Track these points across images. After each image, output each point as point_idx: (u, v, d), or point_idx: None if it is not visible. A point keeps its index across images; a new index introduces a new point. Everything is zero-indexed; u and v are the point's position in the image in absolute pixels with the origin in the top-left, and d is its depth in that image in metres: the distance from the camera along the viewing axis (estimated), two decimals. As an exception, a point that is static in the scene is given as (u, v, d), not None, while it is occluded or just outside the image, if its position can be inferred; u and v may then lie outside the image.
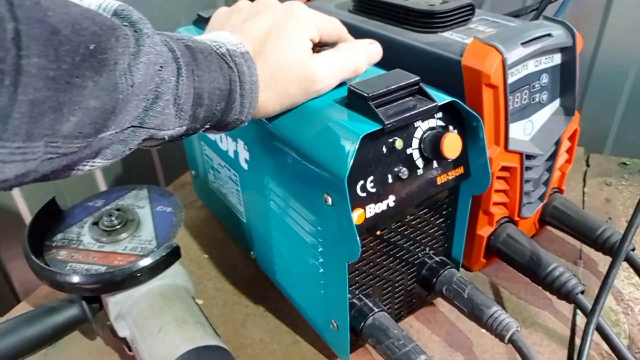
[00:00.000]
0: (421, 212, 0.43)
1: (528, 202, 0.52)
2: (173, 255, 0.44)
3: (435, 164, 0.40)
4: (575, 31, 0.47)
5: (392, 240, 0.42)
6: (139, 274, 0.42)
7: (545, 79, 0.49)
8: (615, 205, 0.62)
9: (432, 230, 0.45)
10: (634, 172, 0.68)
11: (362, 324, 0.41)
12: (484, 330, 0.44)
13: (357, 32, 0.44)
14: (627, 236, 0.41)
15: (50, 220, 0.48)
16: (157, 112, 0.28)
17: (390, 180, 0.37)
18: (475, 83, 0.43)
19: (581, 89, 0.77)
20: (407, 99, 0.38)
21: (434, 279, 0.45)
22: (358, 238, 0.34)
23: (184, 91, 0.30)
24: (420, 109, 0.37)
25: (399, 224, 0.42)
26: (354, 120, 0.36)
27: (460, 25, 0.50)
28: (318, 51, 0.40)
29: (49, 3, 0.23)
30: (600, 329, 0.42)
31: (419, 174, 0.39)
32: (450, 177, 0.41)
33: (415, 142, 0.38)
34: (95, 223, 0.47)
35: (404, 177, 0.38)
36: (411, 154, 0.38)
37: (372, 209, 0.37)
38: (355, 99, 0.36)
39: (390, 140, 0.37)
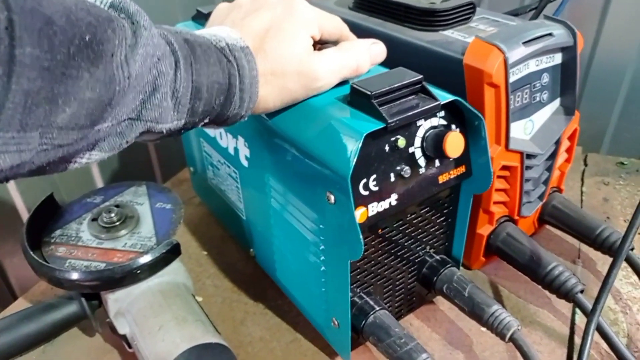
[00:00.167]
0: (422, 211, 0.43)
1: (528, 201, 0.52)
2: (173, 253, 0.44)
3: (437, 163, 0.40)
4: (576, 31, 0.47)
5: (393, 238, 0.42)
6: (138, 271, 0.42)
7: (545, 78, 0.49)
8: (613, 205, 0.63)
9: (433, 229, 0.45)
10: (631, 172, 0.68)
11: (363, 322, 0.41)
12: (483, 329, 0.44)
13: (357, 30, 0.44)
14: (628, 236, 0.41)
15: (49, 216, 0.48)
16: (154, 104, 0.28)
17: (392, 179, 0.37)
18: (476, 82, 0.43)
19: (579, 88, 0.77)
20: (410, 97, 0.37)
21: (435, 278, 0.45)
22: (361, 237, 0.34)
23: (182, 84, 0.30)
24: (423, 108, 0.37)
25: (400, 222, 0.42)
26: (356, 119, 0.36)
27: (461, 24, 0.50)
28: (320, 49, 0.40)
29: None
30: (599, 329, 0.42)
31: (421, 172, 0.39)
32: (452, 176, 0.41)
33: (417, 141, 0.38)
34: (94, 219, 0.47)
35: (406, 176, 0.38)
36: (413, 153, 0.38)
37: (375, 208, 0.37)
38: (358, 97, 0.36)
39: (393, 138, 0.37)
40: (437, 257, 0.46)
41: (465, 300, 0.43)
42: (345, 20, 0.54)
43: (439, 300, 0.51)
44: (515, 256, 0.49)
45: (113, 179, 0.76)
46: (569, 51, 0.48)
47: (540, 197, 0.53)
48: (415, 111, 0.36)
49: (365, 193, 0.36)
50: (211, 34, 0.34)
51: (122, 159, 0.77)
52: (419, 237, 0.44)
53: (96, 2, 0.27)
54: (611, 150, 0.80)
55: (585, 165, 0.70)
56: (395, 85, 0.36)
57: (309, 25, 0.38)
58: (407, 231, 0.43)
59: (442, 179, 0.40)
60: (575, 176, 0.68)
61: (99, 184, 0.75)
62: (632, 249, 0.49)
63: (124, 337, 0.43)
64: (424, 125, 0.38)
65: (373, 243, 0.41)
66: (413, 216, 0.42)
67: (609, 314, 0.49)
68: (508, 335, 0.41)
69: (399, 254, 0.43)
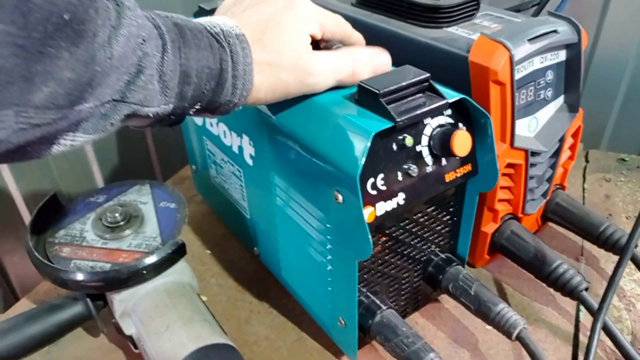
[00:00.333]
0: (428, 209, 0.43)
1: (531, 198, 0.52)
2: (179, 253, 0.44)
3: (444, 162, 0.40)
4: (581, 28, 0.47)
5: (399, 237, 0.42)
6: (145, 272, 0.42)
7: (550, 75, 0.49)
8: (615, 202, 0.63)
9: (439, 228, 0.45)
10: (632, 169, 0.68)
11: (370, 321, 0.41)
12: (488, 327, 0.44)
13: (359, 27, 0.43)
14: (634, 235, 0.41)
15: (52, 216, 0.48)
16: (139, 86, 0.28)
17: (400, 178, 0.37)
18: (482, 79, 0.43)
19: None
20: (417, 95, 0.37)
21: (440, 276, 0.45)
22: (370, 237, 0.34)
23: (170, 68, 0.29)
24: (431, 106, 0.36)
25: (406, 221, 0.42)
26: (364, 117, 0.35)
27: (465, 20, 0.50)
28: (325, 48, 0.39)
29: None
30: (605, 327, 0.42)
31: (428, 171, 0.39)
32: (459, 175, 0.41)
33: (424, 140, 0.38)
34: (98, 219, 0.46)
35: (414, 175, 0.38)
36: (420, 151, 0.38)
37: (383, 207, 0.37)
38: (365, 96, 0.36)
39: (400, 137, 0.37)
40: (442, 256, 0.46)
41: (471, 299, 0.43)
42: (348, 17, 0.54)
43: (443, 298, 0.51)
44: (520, 254, 0.49)
45: (113, 177, 0.75)
46: (573, 48, 0.48)
47: (544, 195, 0.53)
48: (423, 110, 0.36)
49: (373, 192, 0.36)
50: (207, 21, 0.34)
51: (122, 157, 0.76)
52: (424, 235, 0.44)
53: None
54: (611, 146, 0.80)
55: (587, 161, 0.70)
56: (403, 84, 0.36)
57: (309, 22, 0.38)
58: (413, 230, 0.43)
59: (448, 177, 0.40)
60: (576, 173, 0.68)
61: (99, 181, 0.74)
62: (635, 247, 0.49)
63: (130, 337, 0.43)
64: (431, 124, 0.38)
65: (380, 242, 0.41)
66: (419, 215, 0.42)
67: (612, 312, 0.49)
68: (515, 334, 0.41)
69: (405, 252, 0.43)
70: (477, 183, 0.43)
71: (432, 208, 0.43)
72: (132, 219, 0.46)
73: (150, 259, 0.42)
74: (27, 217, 0.67)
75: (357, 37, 0.43)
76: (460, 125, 0.39)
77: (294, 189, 0.42)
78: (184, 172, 0.72)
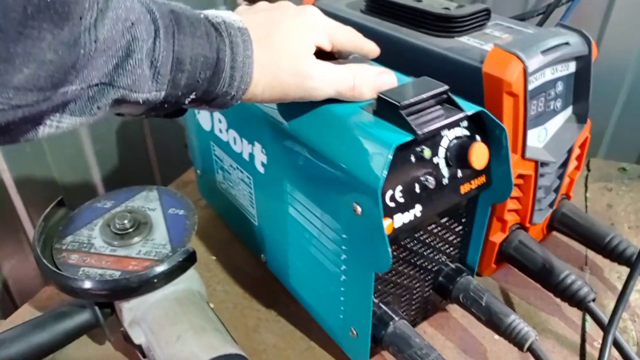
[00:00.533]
0: (442, 220, 0.43)
1: (539, 208, 0.52)
2: (189, 261, 0.43)
3: (459, 173, 0.40)
4: (592, 40, 0.48)
5: (413, 248, 0.42)
6: (156, 280, 0.41)
7: (560, 86, 0.49)
8: (617, 211, 0.63)
9: (451, 238, 0.45)
10: (633, 178, 0.69)
11: (383, 332, 0.41)
12: (496, 337, 0.44)
13: (370, 34, 0.43)
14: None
15: (59, 221, 0.47)
16: (127, 70, 0.28)
17: (417, 190, 0.37)
18: (495, 91, 0.43)
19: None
20: (436, 107, 0.37)
21: (451, 286, 0.45)
22: (389, 249, 0.34)
23: (162, 54, 0.29)
24: (451, 120, 0.36)
25: (420, 232, 0.42)
26: (385, 129, 0.35)
27: (476, 30, 0.50)
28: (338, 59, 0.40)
29: None
30: (614, 341, 0.43)
31: (444, 183, 0.39)
32: (473, 186, 0.41)
33: (441, 151, 0.38)
34: (107, 225, 0.46)
35: (431, 187, 0.38)
36: (437, 163, 0.38)
37: (400, 219, 0.37)
38: (385, 107, 0.36)
39: (419, 149, 0.36)
40: (452, 266, 0.46)
41: (483, 310, 0.44)
42: (358, 24, 0.54)
43: (451, 306, 0.51)
44: (528, 264, 0.50)
45: (112, 180, 0.74)
46: (583, 60, 0.49)
47: (551, 205, 0.54)
48: (443, 123, 0.36)
49: (392, 204, 0.36)
50: (211, 12, 0.34)
51: (122, 161, 0.75)
52: (437, 246, 0.44)
53: None
54: (609, 154, 0.81)
55: (588, 170, 0.71)
56: (424, 96, 0.36)
57: (316, 30, 0.38)
58: (427, 241, 0.43)
59: (463, 189, 0.40)
60: (578, 181, 0.68)
61: (99, 184, 0.73)
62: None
63: (138, 346, 0.43)
64: (448, 135, 0.38)
65: (395, 253, 0.41)
66: (433, 226, 0.42)
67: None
68: (526, 346, 0.41)
69: (417, 263, 0.43)
70: (490, 194, 0.43)
71: (446, 219, 0.43)
72: (141, 225, 0.46)
73: (162, 267, 0.41)
74: (26, 221, 0.66)
75: (370, 48, 0.42)
76: (477, 137, 0.39)
77: (308, 199, 0.41)
78: (187, 176, 0.72)
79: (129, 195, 0.50)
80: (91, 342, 0.48)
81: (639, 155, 0.81)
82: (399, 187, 0.36)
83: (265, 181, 0.47)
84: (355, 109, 0.38)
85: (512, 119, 0.45)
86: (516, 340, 0.41)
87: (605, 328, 0.43)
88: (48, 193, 0.66)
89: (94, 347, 0.48)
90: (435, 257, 0.45)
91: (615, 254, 0.51)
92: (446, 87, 0.37)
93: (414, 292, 0.45)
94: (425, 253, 0.43)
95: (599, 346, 0.47)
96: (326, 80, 0.37)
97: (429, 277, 0.46)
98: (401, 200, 0.36)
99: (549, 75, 0.47)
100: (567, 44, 0.46)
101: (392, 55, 0.44)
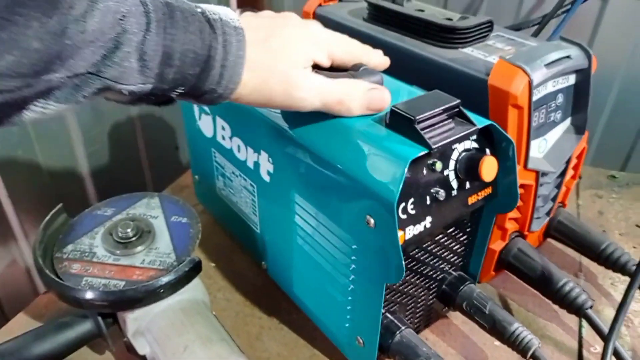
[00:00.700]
0: (448, 231, 0.43)
1: (537, 217, 0.53)
2: (195, 270, 0.43)
3: (467, 185, 0.40)
4: (592, 53, 0.49)
5: (421, 258, 0.42)
6: (162, 290, 0.41)
7: (560, 98, 0.50)
8: (608, 218, 0.65)
9: (456, 247, 0.45)
10: (622, 185, 0.71)
11: (390, 340, 0.42)
12: (497, 343, 0.45)
13: (373, 43, 0.43)
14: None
15: (59, 229, 0.46)
16: (115, 62, 0.28)
17: (428, 202, 0.37)
18: (501, 103, 0.44)
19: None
20: (447, 120, 0.38)
21: (454, 295, 0.46)
22: (403, 261, 0.34)
23: (152, 47, 0.29)
24: (462, 133, 0.37)
25: (428, 242, 0.42)
26: (399, 143, 0.35)
27: (479, 42, 0.51)
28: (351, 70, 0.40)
29: None
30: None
31: (453, 194, 0.39)
32: (480, 198, 0.41)
33: (452, 164, 0.38)
34: (109, 234, 0.45)
35: (441, 199, 0.38)
36: (447, 175, 0.38)
37: (411, 231, 0.37)
38: (399, 121, 0.36)
39: (431, 162, 0.37)
40: (455, 274, 0.47)
41: (486, 318, 0.44)
42: (360, 32, 0.55)
43: (452, 314, 0.51)
44: (527, 271, 0.51)
45: (105, 186, 0.73)
46: (583, 73, 0.50)
47: (548, 213, 0.55)
48: (456, 136, 0.36)
49: (404, 217, 0.36)
50: (209, 7, 0.33)
51: (114, 167, 0.74)
52: (442, 255, 0.45)
53: None
54: (595, 161, 0.83)
55: (579, 177, 0.72)
56: (437, 110, 0.36)
57: (316, 43, 0.38)
58: (433, 250, 0.43)
59: (471, 200, 0.41)
60: (570, 188, 0.70)
61: (91, 190, 0.72)
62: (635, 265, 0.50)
63: (143, 357, 0.42)
64: (458, 148, 0.38)
65: (404, 264, 0.41)
66: (440, 236, 0.43)
67: (613, 328, 0.51)
68: (530, 354, 0.42)
69: (423, 272, 0.44)
70: (496, 205, 0.44)
71: (452, 229, 0.44)
72: (144, 234, 0.45)
73: (168, 277, 0.41)
74: (16, 226, 0.64)
75: (377, 62, 0.42)
76: (487, 150, 0.40)
77: (317, 209, 0.41)
78: (183, 181, 0.71)
79: (129, 202, 0.49)
80: (90, 351, 0.47)
81: (624, 162, 0.83)
82: (411, 200, 0.36)
83: (271, 190, 0.47)
84: (367, 122, 0.38)
85: (517, 131, 0.45)
86: (520, 347, 0.42)
87: (606, 337, 0.44)
88: (39, 196, 0.64)
89: (93, 357, 0.47)
90: (440, 266, 0.45)
91: (610, 262, 0.52)
92: (458, 100, 0.38)
93: (419, 300, 0.46)
94: (431, 262, 0.44)
95: (596, 351, 0.48)
96: (314, 93, 0.37)
97: (434, 285, 0.46)
98: (412, 212, 0.37)
99: (550, 87, 0.48)
100: (568, 57, 0.47)
101: (394, 64, 0.45)
